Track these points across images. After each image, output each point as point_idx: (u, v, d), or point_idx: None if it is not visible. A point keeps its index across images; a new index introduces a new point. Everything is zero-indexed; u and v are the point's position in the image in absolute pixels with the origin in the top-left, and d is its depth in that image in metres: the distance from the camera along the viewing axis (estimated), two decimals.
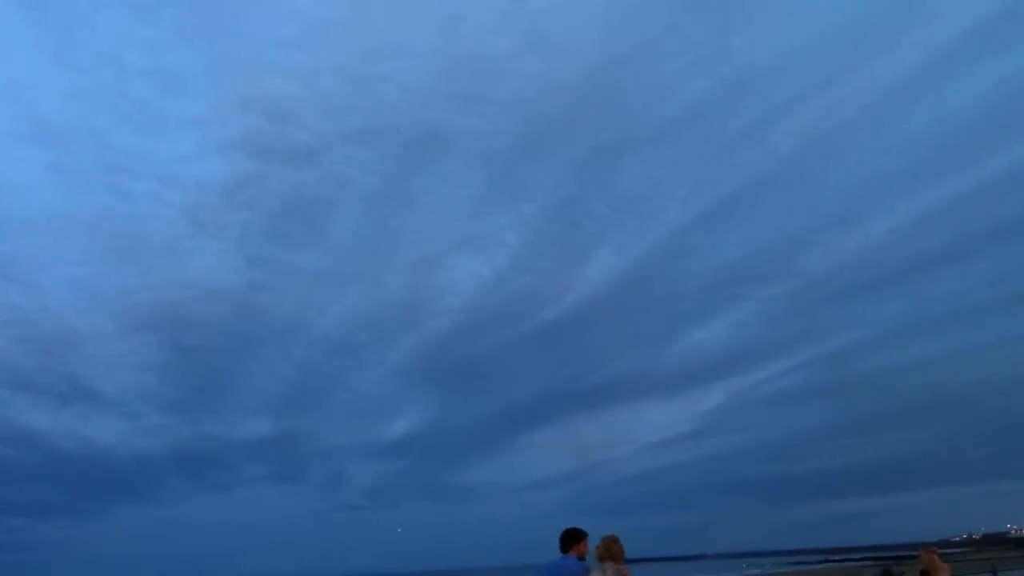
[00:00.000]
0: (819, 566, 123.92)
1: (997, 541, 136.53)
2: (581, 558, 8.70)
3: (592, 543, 8.84)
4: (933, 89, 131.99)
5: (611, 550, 8.23)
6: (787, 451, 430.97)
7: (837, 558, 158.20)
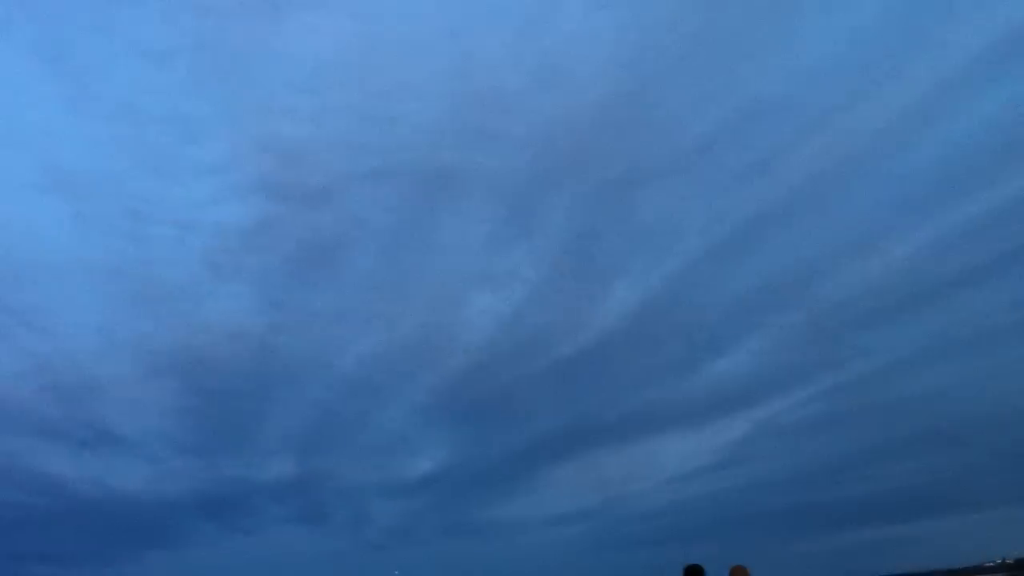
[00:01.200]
0: None
1: None
2: None
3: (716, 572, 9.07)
4: (944, 113, 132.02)
5: None
6: (812, 480, 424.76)
7: None
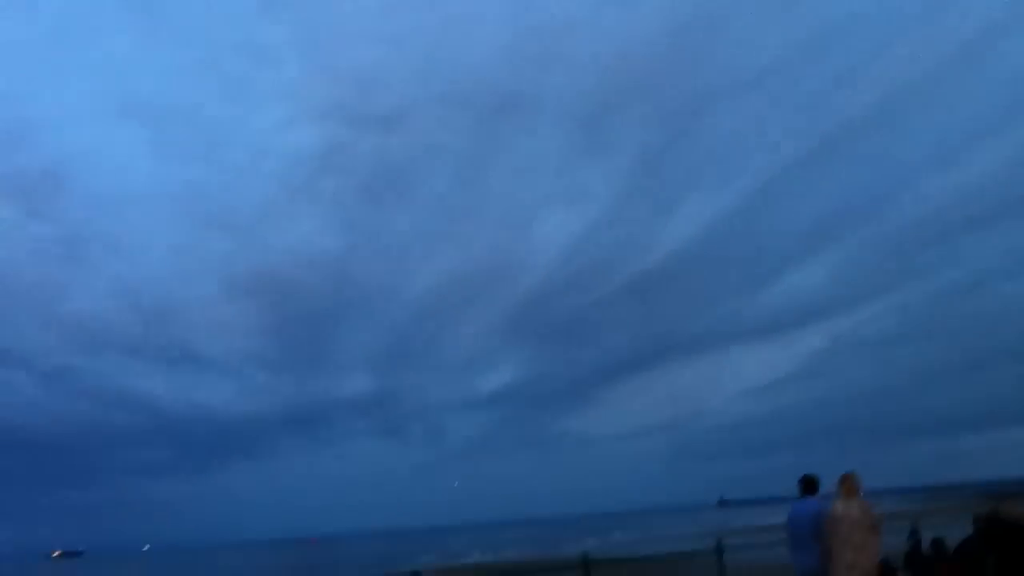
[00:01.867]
0: (925, 505, 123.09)
1: None
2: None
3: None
4: None
5: (853, 485, 9.40)
6: (889, 391, 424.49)
7: (943, 496, 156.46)
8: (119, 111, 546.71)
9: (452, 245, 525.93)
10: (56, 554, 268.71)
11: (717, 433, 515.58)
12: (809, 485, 10.04)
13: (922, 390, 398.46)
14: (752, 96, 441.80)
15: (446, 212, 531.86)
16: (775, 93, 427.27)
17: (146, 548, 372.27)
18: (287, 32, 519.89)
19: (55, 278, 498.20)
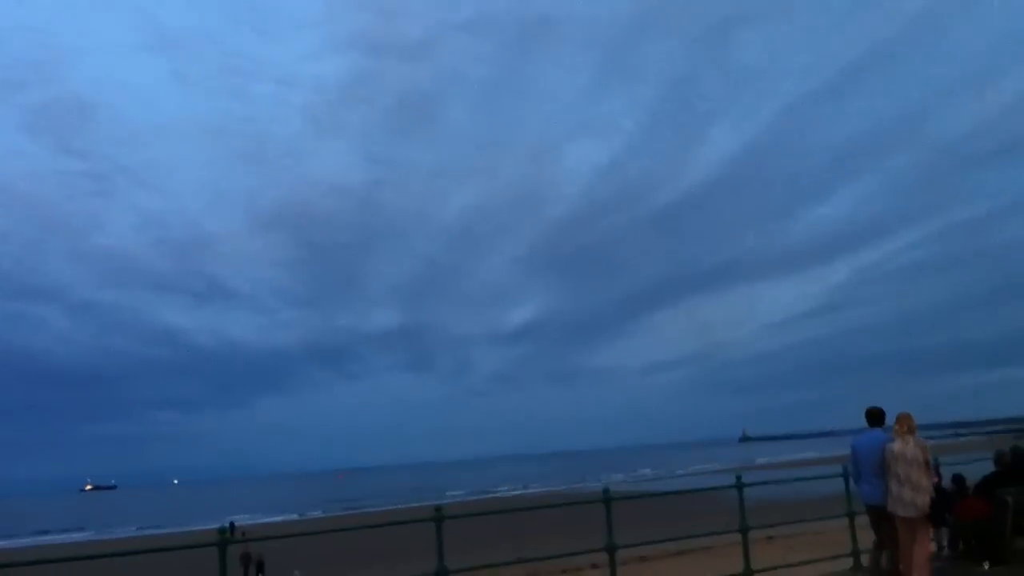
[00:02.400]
0: (948, 440, 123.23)
1: None
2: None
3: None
4: None
5: (909, 424, 9.68)
6: (915, 325, 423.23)
7: (966, 431, 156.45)
8: (140, 42, 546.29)
9: (478, 176, 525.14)
10: (88, 487, 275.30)
11: (741, 368, 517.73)
12: (875, 417, 10.11)
13: (947, 324, 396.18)
14: (780, 19, 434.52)
15: (472, 142, 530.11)
16: (805, 14, 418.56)
17: (175, 482, 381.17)
18: None
19: (84, 212, 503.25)
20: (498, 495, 75.47)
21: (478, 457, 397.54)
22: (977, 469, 11.52)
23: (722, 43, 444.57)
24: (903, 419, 9.80)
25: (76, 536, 63.76)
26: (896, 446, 9.66)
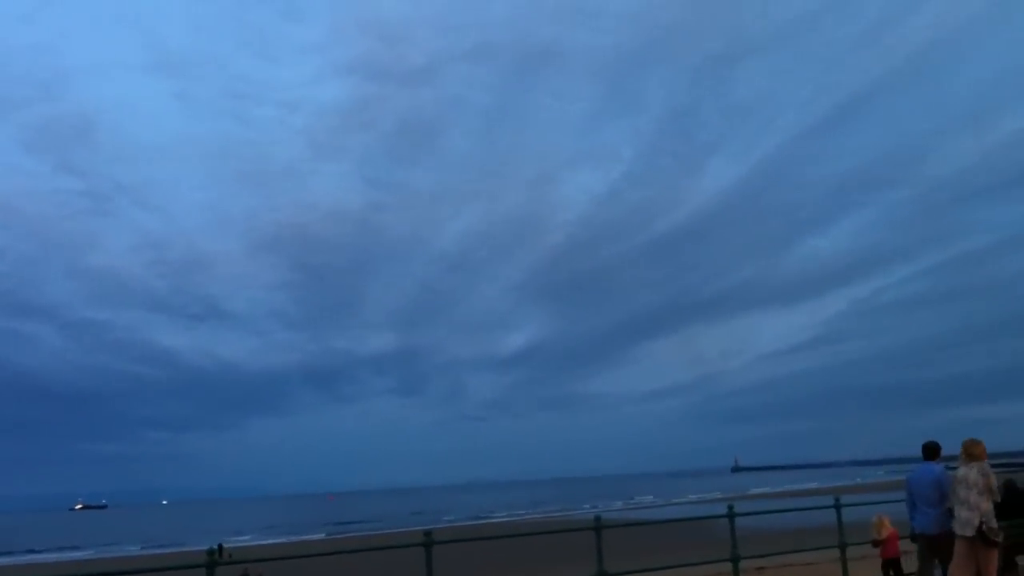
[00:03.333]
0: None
1: None
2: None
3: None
4: None
5: (976, 451, 10.03)
6: (909, 358, 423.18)
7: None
8: (145, 63, 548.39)
9: (477, 202, 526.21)
10: (79, 506, 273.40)
11: (734, 398, 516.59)
12: (930, 451, 10.77)
13: (942, 358, 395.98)
14: (781, 52, 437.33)
15: (471, 168, 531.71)
16: (806, 48, 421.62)
17: (164, 502, 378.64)
18: None
19: (82, 231, 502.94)
20: (493, 520, 75.06)
21: (471, 482, 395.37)
22: None
23: (722, 75, 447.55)
24: (965, 446, 10.30)
25: (71, 555, 63.38)
26: (961, 471, 10.17)
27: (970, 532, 9.80)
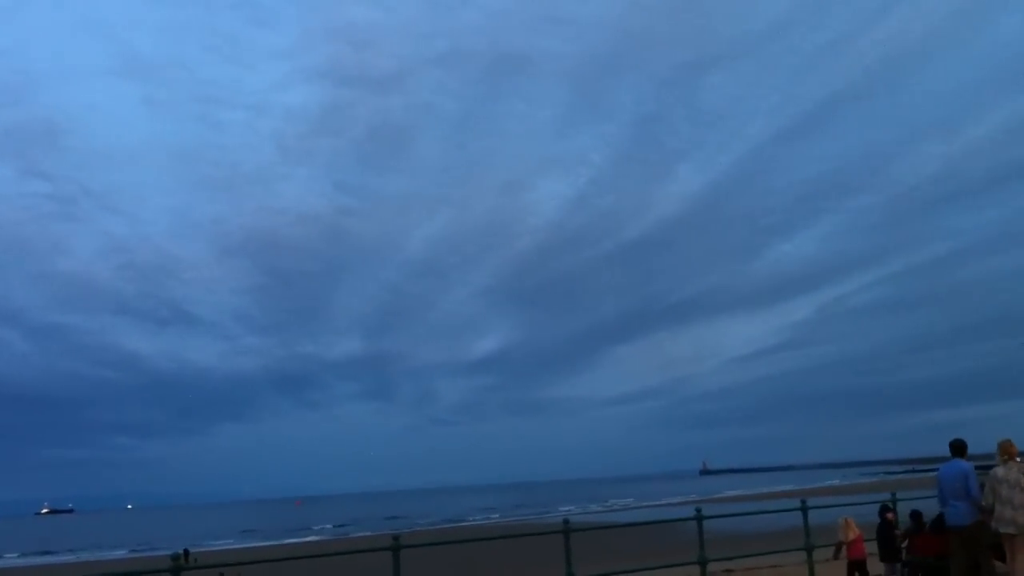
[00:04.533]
0: (906, 476, 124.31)
1: None
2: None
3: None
4: None
5: (1013, 450, 10.57)
6: (875, 363, 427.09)
7: (924, 467, 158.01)
8: (113, 67, 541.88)
9: (446, 208, 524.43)
10: (45, 511, 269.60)
11: (703, 402, 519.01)
12: (957, 449, 11.17)
13: (908, 362, 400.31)
14: (749, 61, 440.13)
15: (441, 174, 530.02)
16: (772, 58, 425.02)
17: (129, 507, 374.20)
18: None
19: (49, 236, 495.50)
20: (463, 524, 74.83)
21: (440, 486, 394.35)
22: (935, 506, 11.67)
23: (691, 83, 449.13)
24: (1002, 447, 10.73)
25: (39, 560, 62.73)
26: (1000, 471, 10.52)
27: (1013, 530, 10.15)
